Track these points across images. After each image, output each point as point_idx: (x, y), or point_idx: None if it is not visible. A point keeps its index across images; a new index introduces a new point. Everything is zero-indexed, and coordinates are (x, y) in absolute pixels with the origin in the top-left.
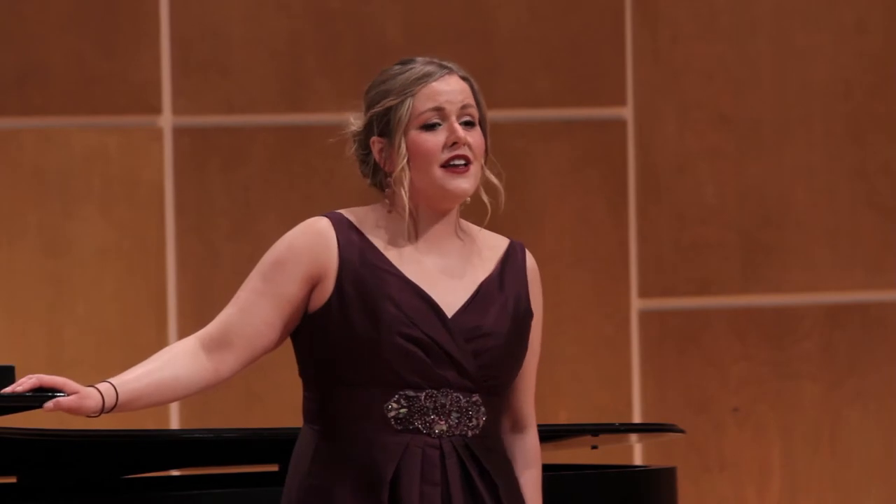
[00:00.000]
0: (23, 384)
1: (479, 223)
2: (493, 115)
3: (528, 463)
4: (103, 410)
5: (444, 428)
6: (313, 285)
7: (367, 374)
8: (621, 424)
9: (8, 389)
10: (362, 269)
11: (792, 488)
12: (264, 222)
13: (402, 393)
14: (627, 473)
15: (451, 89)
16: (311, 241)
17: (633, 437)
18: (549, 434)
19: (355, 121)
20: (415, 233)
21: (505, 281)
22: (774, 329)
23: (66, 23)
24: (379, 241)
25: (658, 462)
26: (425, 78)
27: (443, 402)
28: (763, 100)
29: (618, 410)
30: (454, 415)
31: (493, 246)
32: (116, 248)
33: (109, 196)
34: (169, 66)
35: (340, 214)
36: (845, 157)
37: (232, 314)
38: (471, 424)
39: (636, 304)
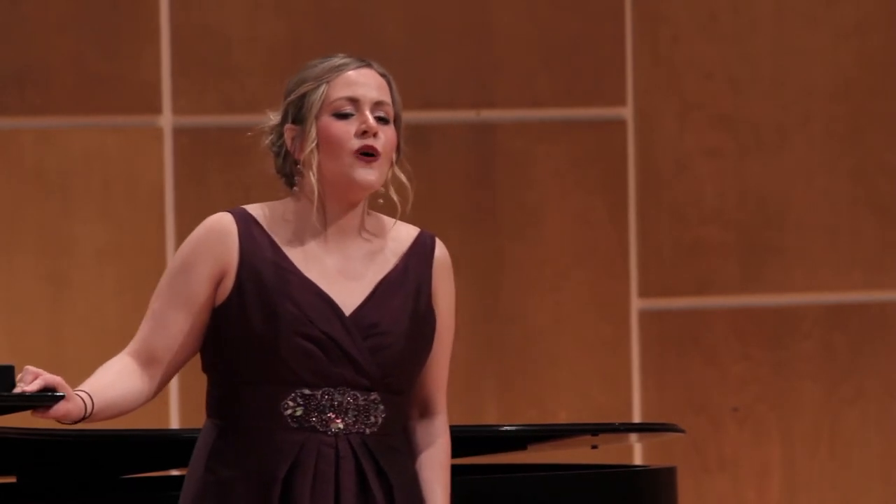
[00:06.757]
0: (28, 383)
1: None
2: (493, 115)
3: (433, 449)
4: (84, 419)
5: (341, 426)
6: (218, 282)
7: (264, 372)
8: (621, 424)
9: (17, 389)
10: (263, 267)
11: (792, 488)
12: None
13: (298, 391)
14: (627, 473)
15: (367, 82)
16: (213, 239)
17: (633, 437)
18: (549, 434)
19: (273, 116)
20: (321, 225)
21: (408, 276)
22: (774, 329)
23: (66, 23)
24: (282, 238)
25: (658, 462)
26: (342, 67)
27: (339, 400)
28: (763, 100)
29: (618, 410)
30: (351, 413)
31: (399, 239)
32: (116, 248)
33: (109, 196)
34: (169, 66)
35: (244, 210)
36: (845, 157)
37: (149, 329)
38: (368, 422)
39: (636, 304)
